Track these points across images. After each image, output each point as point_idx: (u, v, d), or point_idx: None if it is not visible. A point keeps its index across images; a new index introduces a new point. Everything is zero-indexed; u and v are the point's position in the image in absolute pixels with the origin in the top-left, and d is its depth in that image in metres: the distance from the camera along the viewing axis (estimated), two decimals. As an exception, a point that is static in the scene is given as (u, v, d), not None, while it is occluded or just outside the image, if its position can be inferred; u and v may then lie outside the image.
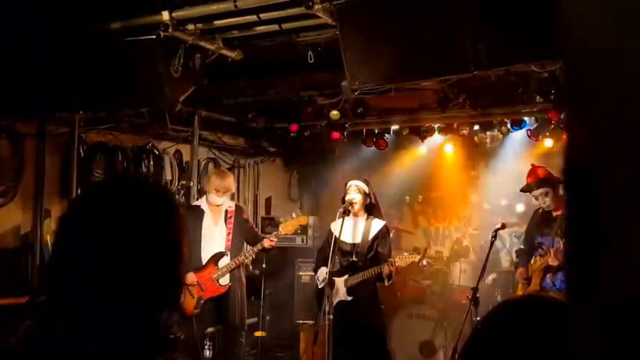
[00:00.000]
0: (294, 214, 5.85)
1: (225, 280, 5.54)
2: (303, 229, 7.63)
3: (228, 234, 5.63)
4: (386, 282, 5.29)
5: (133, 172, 6.73)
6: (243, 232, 5.74)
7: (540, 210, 5.37)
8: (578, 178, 0.52)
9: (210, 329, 5.52)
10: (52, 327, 1.15)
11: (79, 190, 6.16)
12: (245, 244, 5.92)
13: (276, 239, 5.64)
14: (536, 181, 5.27)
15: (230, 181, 5.73)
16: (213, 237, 5.59)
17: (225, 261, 5.56)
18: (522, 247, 5.67)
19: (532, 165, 5.54)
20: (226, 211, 5.71)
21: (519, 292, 5.39)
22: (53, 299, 1.18)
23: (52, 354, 1.13)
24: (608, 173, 0.49)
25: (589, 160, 0.50)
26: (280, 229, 5.73)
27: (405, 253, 5.44)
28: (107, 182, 1.31)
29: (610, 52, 0.49)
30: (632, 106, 0.48)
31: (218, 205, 5.68)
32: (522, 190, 5.55)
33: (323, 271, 5.30)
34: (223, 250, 5.58)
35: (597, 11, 0.50)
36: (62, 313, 1.15)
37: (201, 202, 5.79)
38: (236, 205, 5.96)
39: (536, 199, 5.32)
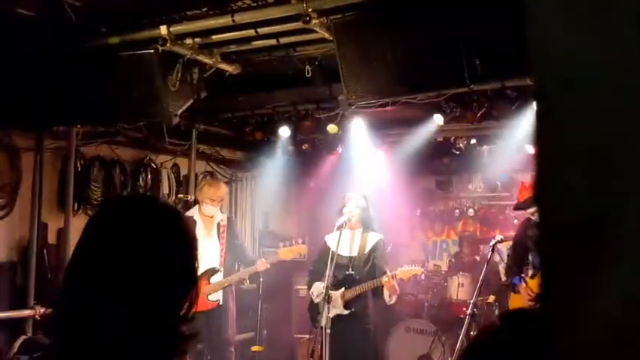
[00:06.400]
0: (294, 242, 5.83)
1: (214, 296, 5.50)
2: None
3: (222, 250, 5.60)
4: (388, 299, 5.24)
5: (131, 188, 6.73)
6: (232, 247, 5.70)
7: (532, 222, 5.30)
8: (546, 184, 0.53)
9: (200, 345, 5.45)
10: (69, 337, 1.18)
11: (76, 204, 6.15)
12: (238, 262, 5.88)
13: (269, 265, 5.61)
14: (531, 197, 5.20)
15: (224, 190, 5.73)
16: (206, 250, 5.52)
17: (217, 278, 5.51)
18: (511, 263, 5.54)
19: (522, 182, 5.45)
20: (219, 225, 5.67)
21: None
22: (71, 308, 1.20)
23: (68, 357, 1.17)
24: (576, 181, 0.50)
25: (555, 165, 0.51)
26: (278, 254, 5.71)
27: (406, 266, 5.41)
28: (125, 197, 1.43)
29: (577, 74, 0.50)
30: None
31: (211, 216, 5.65)
32: (517, 209, 5.45)
33: (318, 286, 5.29)
34: (217, 266, 5.54)
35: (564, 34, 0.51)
36: (80, 321, 1.18)
37: (194, 213, 5.69)
38: (228, 217, 5.93)
39: (532, 215, 5.27)
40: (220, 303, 5.53)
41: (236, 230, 5.88)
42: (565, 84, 0.51)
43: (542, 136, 0.54)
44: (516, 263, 5.48)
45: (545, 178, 0.53)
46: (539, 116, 0.54)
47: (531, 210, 5.20)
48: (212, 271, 5.50)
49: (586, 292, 0.52)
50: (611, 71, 0.49)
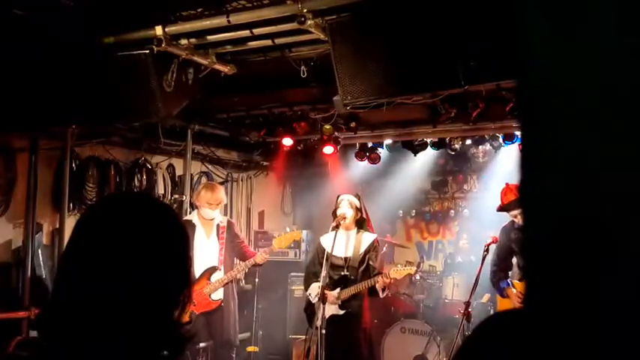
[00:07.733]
0: (288, 229, 5.84)
1: (217, 295, 5.52)
2: (296, 243, 7.61)
3: (221, 249, 5.62)
4: (381, 294, 5.28)
5: (126, 188, 6.72)
6: (233, 247, 5.73)
7: (516, 225, 5.27)
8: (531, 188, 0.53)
9: (202, 344, 5.49)
10: (61, 330, 1.17)
11: (71, 205, 6.14)
12: (236, 259, 5.91)
13: (267, 256, 5.63)
14: (515, 200, 5.07)
15: (221, 194, 5.74)
16: (205, 251, 5.57)
17: (217, 276, 5.54)
18: (496, 267, 5.50)
19: (507, 184, 5.40)
20: (218, 226, 5.70)
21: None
22: (62, 301, 1.20)
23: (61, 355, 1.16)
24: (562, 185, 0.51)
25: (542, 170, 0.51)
26: (274, 244, 5.73)
27: (399, 266, 5.43)
28: (120, 194, 1.43)
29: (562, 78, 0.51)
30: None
31: (210, 220, 5.67)
32: (499, 210, 5.42)
33: (315, 287, 5.29)
34: (216, 264, 5.57)
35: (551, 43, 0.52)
36: (72, 315, 1.17)
37: (193, 217, 5.76)
38: (228, 220, 5.95)
39: (515, 217, 5.24)
40: (222, 303, 5.55)
41: (236, 231, 5.89)
42: (549, 88, 0.52)
43: (526, 139, 0.54)
44: (502, 267, 5.46)
45: (531, 181, 0.54)
46: (524, 118, 0.55)
47: (514, 212, 5.17)
48: (212, 270, 5.53)
49: (578, 292, 0.53)
50: (593, 77, 0.50)
